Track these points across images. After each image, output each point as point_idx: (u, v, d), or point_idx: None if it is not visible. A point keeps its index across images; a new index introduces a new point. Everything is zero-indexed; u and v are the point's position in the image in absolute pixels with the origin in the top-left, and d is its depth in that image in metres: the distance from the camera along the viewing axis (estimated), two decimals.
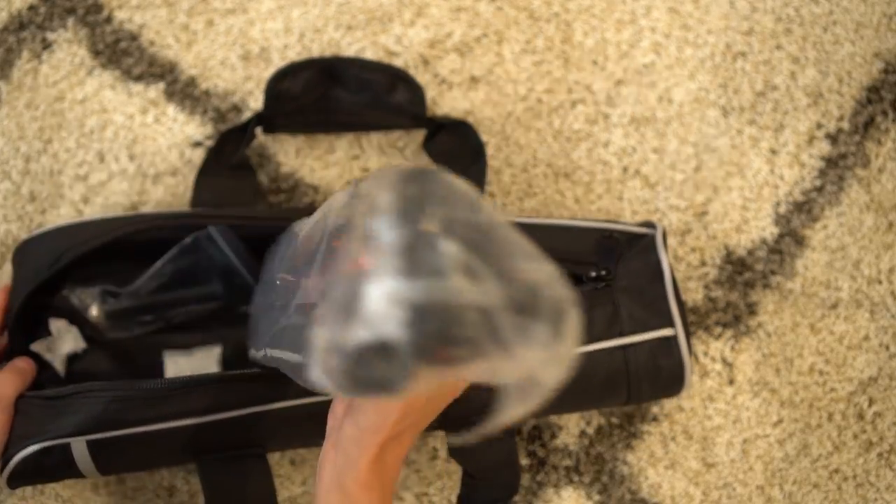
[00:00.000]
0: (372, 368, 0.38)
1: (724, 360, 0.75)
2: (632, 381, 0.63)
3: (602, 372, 0.63)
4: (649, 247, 0.65)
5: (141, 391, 0.60)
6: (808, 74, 0.77)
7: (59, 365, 0.66)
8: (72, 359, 0.67)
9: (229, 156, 0.71)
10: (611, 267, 0.63)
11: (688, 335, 0.64)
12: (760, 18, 0.77)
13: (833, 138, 0.77)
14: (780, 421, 0.75)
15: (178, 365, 0.69)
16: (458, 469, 0.68)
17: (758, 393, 0.75)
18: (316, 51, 0.76)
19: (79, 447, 0.60)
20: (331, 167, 0.75)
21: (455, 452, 0.62)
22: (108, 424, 0.60)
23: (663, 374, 0.64)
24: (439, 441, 0.74)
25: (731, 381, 0.75)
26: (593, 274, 0.63)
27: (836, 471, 0.75)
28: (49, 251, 0.63)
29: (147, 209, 0.74)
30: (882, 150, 0.77)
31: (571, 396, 0.64)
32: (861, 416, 0.75)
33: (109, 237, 0.62)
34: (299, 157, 0.75)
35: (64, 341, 0.66)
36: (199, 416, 0.60)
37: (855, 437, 0.75)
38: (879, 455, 0.75)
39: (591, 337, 0.63)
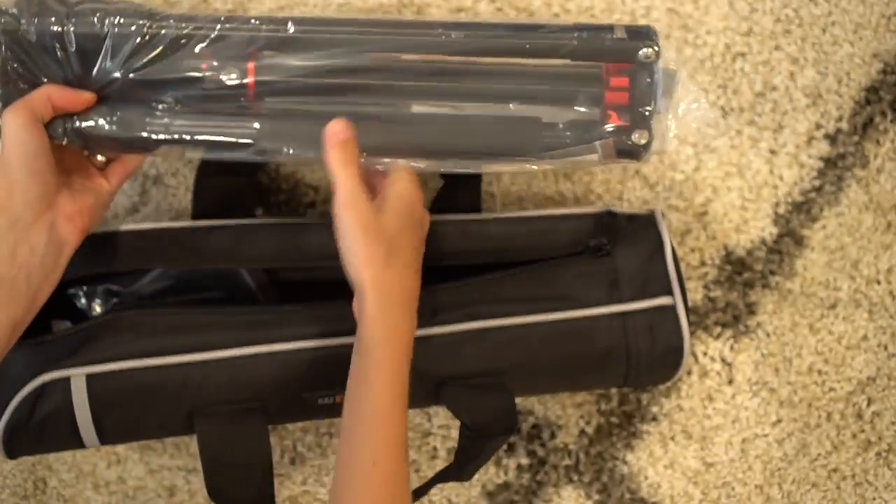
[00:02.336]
0: None
1: (723, 360, 0.75)
2: (630, 352, 0.64)
3: (601, 341, 0.64)
4: (649, 222, 0.67)
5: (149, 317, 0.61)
6: (807, 75, 0.77)
7: None
8: None
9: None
10: (611, 237, 0.65)
11: (686, 306, 0.65)
12: (759, 19, 0.77)
13: (832, 139, 0.77)
14: (779, 420, 0.75)
15: None
16: None
17: (757, 393, 0.75)
18: None
19: (78, 384, 0.59)
20: None
21: (453, 406, 0.62)
22: (113, 354, 0.59)
23: (661, 345, 0.65)
24: (439, 441, 0.74)
25: (731, 381, 0.75)
26: (593, 243, 0.64)
27: (835, 470, 0.75)
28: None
29: (148, 209, 0.74)
30: (881, 150, 0.77)
31: (571, 368, 0.65)
32: (860, 416, 0.76)
33: (145, 265, 0.63)
34: None
35: None
36: (201, 351, 0.60)
37: (853, 436, 0.76)
38: (878, 454, 0.76)
39: (590, 302, 0.64)
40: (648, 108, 0.59)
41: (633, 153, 0.60)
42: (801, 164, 0.77)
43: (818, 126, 0.77)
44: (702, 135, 0.76)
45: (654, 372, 0.66)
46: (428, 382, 0.63)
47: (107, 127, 0.58)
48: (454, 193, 0.70)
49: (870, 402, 0.76)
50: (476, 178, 0.72)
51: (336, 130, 0.55)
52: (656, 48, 0.59)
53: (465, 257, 0.64)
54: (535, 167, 0.61)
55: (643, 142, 0.59)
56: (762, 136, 0.77)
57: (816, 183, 0.77)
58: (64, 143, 0.57)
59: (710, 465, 0.75)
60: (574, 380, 0.68)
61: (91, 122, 0.58)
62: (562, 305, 0.64)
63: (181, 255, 0.63)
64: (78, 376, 0.59)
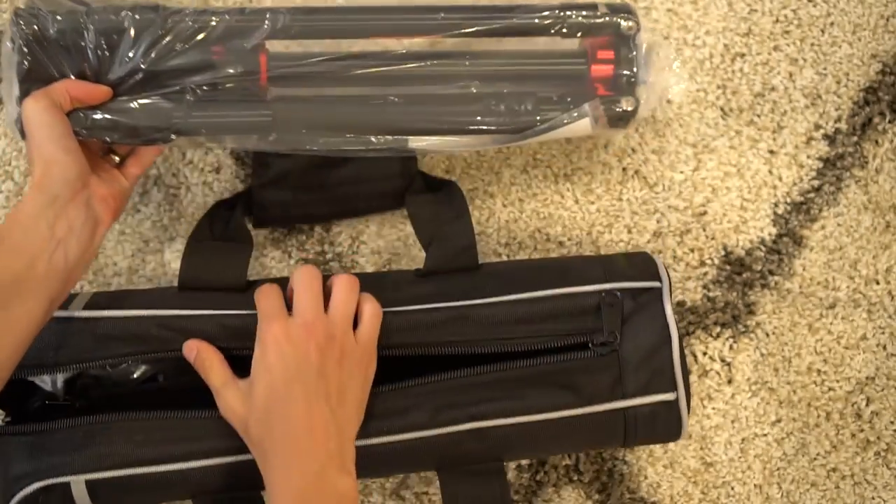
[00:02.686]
0: None
1: (722, 360, 0.75)
2: (628, 434, 0.64)
3: (601, 427, 0.63)
4: (656, 307, 0.64)
5: (153, 422, 0.60)
6: (806, 75, 0.78)
7: (58, 388, 0.64)
8: (70, 381, 0.65)
9: (222, 228, 0.69)
10: (616, 331, 0.63)
11: (688, 397, 0.64)
12: (759, 20, 0.78)
13: (831, 139, 0.77)
14: (779, 420, 0.75)
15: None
16: None
17: (756, 392, 0.75)
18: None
19: (78, 488, 0.59)
20: None
21: (449, 497, 0.63)
22: (111, 462, 0.59)
23: (660, 430, 0.64)
24: None
25: (730, 381, 0.75)
26: (600, 340, 0.62)
27: (834, 469, 0.76)
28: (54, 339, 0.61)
29: (149, 210, 0.74)
30: (879, 150, 0.78)
31: (569, 445, 0.65)
32: (859, 416, 0.76)
33: (115, 357, 0.61)
34: None
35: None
36: (199, 459, 0.60)
37: (852, 436, 0.76)
38: (877, 454, 0.76)
39: (592, 399, 0.62)
40: (632, 76, 0.64)
41: (623, 119, 0.64)
42: (800, 165, 0.77)
43: (817, 126, 0.77)
44: (701, 134, 0.77)
45: (651, 443, 0.67)
46: (427, 466, 0.64)
47: (125, 119, 0.60)
48: (445, 254, 0.67)
49: (869, 401, 0.76)
50: (467, 230, 0.68)
51: (188, 352, 0.60)
52: (636, 21, 0.64)
53: (459, 346, 0.62)
54: (533, 139, 0.64)
55: (630, 108, 0.64)
56: (761, 137, 0.77)
57: (815, 183, 0.77)
58: (84, 134, 0.59)
59: (710, 464, 0.75)
60: (570, 451, 0.72)
61: (110, 115, 0.60)
62: (565, 402, 0.62)
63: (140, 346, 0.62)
64: (78, 481, 0.59)
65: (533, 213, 0.76)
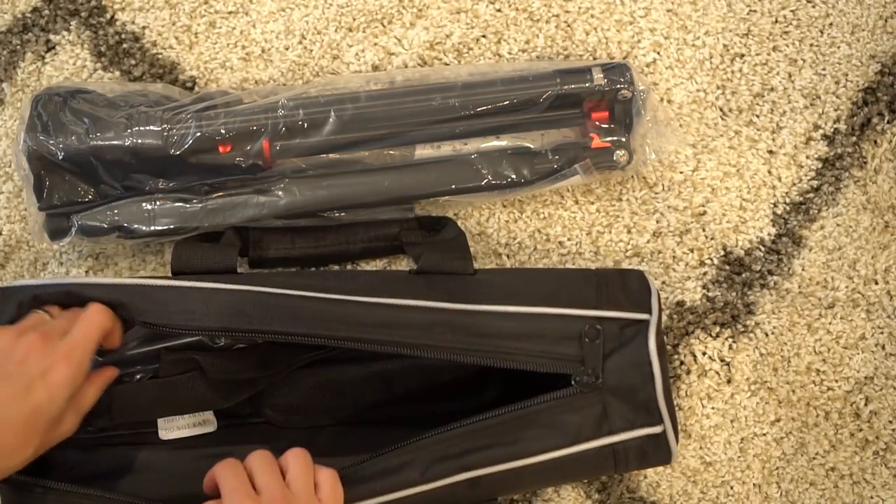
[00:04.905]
0: None
1: (721, 360, 0.76)
2: (619, 465, 0.65)
3: (590, 463, 0.64)
4: (640, 342, 0.64)
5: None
6: (805, 76, 0.78)
7: None
8: None
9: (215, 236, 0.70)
10: (598, 368, 0.62)
11: (675, 429, 0.64)
12: (758, 20, 0.78)
13: (830, 139, 0.77)
14: (778, 420, 0.76)
15: (174, 423, 0.69)
16: None
17: (755, 392, 0.76)
18: (317, 53, 0.77)
19: None
20: None
21: None
22: None
23: (650, 460, 0.65)
24: None
25: (729, 381, 0.75)
26: (583, 379, 0.62)
27: (833, 469, 0.76)
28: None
29: None
30: (878, 150, 0.78)
31: (561, 481, 0.66)
32: (857, 415, 0.76)
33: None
34: None
35: None
36: None
37: (851, 435, 0.76)
38: (875, 453, 0.76)
39: (578, 438, 0.62)
40: (626, 132, 0.71)
41: (614, 168, 0.71)
42: (799, 165, 0.77)
43: (816, 127, 0.78)
44: (701, 134, 0.77)
45: (642, 469, 0.67)
46: None
47: (149, 227, 0.67)
48: (440, 255, 0.68)
49: (867, 401, 0.76)
50: (464, 255, 0.69)
51: (211, 479, 0.57)
52: (631, 87, 0.69)
53: (440, 352, 0.61)
54: (528, 192, 0.71)
55: (623, 160, 0.71)
56: (760, 137, 0.77)
57: (814, 183, 0.77)
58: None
59: (709, 464, 0.75)
60: (562, 483, 0.72)
61: (140, 225, 0.67)
62: (553, 444, 0.62)
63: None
64: None
65: (533, 213, 0.76)
